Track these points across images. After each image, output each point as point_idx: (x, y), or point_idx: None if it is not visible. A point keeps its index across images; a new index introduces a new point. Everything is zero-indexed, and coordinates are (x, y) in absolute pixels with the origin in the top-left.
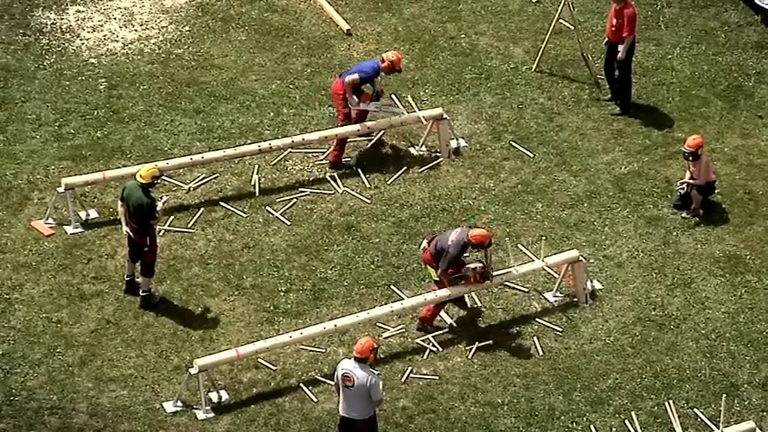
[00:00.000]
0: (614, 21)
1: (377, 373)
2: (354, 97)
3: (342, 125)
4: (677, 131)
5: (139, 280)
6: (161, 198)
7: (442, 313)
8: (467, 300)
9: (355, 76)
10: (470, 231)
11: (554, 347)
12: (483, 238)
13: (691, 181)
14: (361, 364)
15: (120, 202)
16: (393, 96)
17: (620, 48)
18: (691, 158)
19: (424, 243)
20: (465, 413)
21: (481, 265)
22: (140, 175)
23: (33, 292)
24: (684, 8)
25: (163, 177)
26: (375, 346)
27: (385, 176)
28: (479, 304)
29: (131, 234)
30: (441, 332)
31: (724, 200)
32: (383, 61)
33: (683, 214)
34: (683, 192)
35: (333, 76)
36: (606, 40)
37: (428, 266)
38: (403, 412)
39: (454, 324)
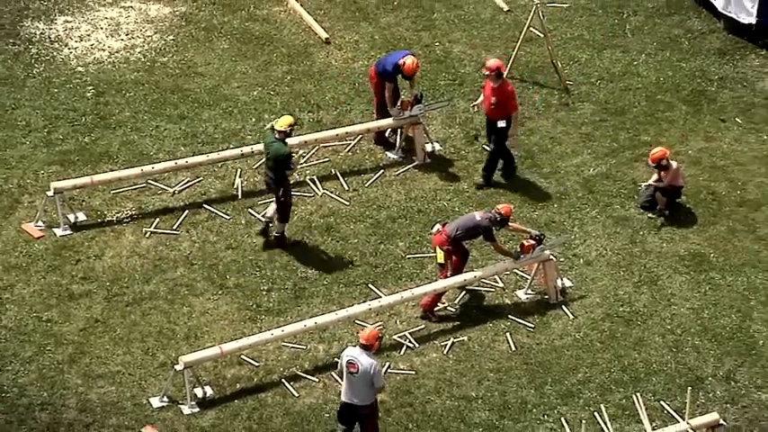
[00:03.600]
0: (492, 99)
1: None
2: (396, 108)
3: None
4: (643, 135)
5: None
6: (296, 151)
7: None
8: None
9: (390, 85)
10: (499, 206)
11: (526, 343)
12: (509, 210)
13: (654, 183)
14: (366, 351)
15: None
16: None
17: (501, 124)
18: (659, 170)
19: (438, 226)
20: (441, 407)
21: (535, 232)
22: (278, 126)
23: (24, 292)
24: (650, 16)
25: (148, 181)
26: (380, 334)
27: (363, 179)
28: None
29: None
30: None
31: (688, 200)
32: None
33: (650, 214)
34: (649, 194)
35: (312, 83)
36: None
37: (438, 248)
38: (381, 406)
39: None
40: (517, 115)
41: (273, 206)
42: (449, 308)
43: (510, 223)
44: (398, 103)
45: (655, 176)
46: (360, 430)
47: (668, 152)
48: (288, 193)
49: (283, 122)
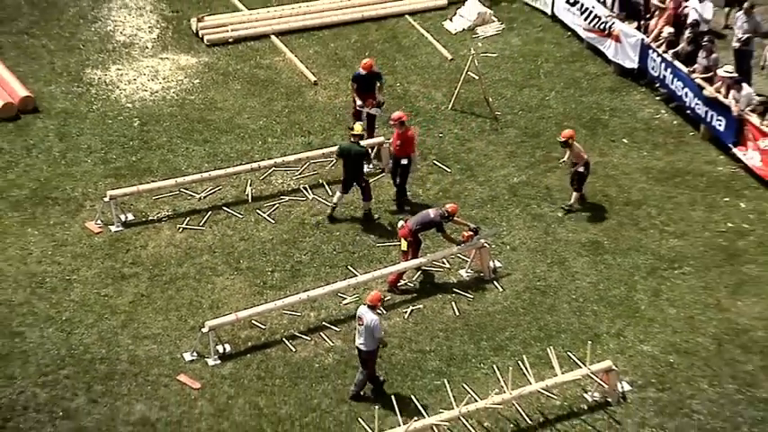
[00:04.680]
0: (398, 141)
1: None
2: (359, 100)
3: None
4: (554, 152)
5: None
6: (384, 143)
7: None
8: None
9: (354, 84)
10: (446, 206)
11: (467, 309)
12: (455, 209)
13: (574, 161)
14: (372, 309)
15: (338, 158)
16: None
17: (404, 161)
18: (564, 147)
19: (401, 222)
20: (403, 358)
21: (473, 226)
22: (355, 132)
23: (87, 274)
24: (557, 63)
25: (181, 189)
26: (382, 297)
27: None
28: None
29: (345, 176)
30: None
31: (588, 201)
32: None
33: (559, 214)
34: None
35: (304, 115)
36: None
37: (403, 239)
38: (357, 358)
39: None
40: (414, 157)
41: (339, 194)
42: (409, 283)
43: (454, 218)
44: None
45: (567, 154)
46: (361, 368)
47: (575, 134)
48: (366, 180)
49: (358, 129)
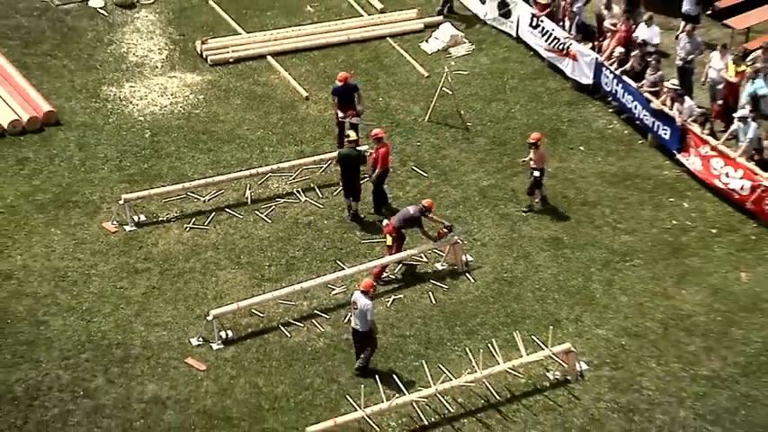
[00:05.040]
0: (374, 155)
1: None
2: (340, 112)
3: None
4: (519, 158)
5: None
6: (366, 152)
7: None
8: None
9: (334, 97)
10: (423, 201)
11: (442, 298)
12: (431, 203)
13: (533, 166)
14: (365, 294)
15: (338, 164)
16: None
17: (377, 172)
18: (532, 148)
19: (386, 221)
20: (386, 342)
21: (447, 224)
22: (351, 138)
23: (104, 268)
24: (522, 80)
25: (187, 193)
26: (374, 284)
27: (332, 190)
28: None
29: (344, 181)
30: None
31: (549, 202)
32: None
33: (524, 212)
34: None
35: (297, 126)
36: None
37: (388, 236)
38: (345, 342)
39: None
40: (384, 171)
41: (346, 200)
42: (391, 275)
43: (431, 216)
44: (348, 113)
45: (531, 154)
46: (362, 347)
47: (541, 137)
48: (359, 182)
49: (352, 136)
